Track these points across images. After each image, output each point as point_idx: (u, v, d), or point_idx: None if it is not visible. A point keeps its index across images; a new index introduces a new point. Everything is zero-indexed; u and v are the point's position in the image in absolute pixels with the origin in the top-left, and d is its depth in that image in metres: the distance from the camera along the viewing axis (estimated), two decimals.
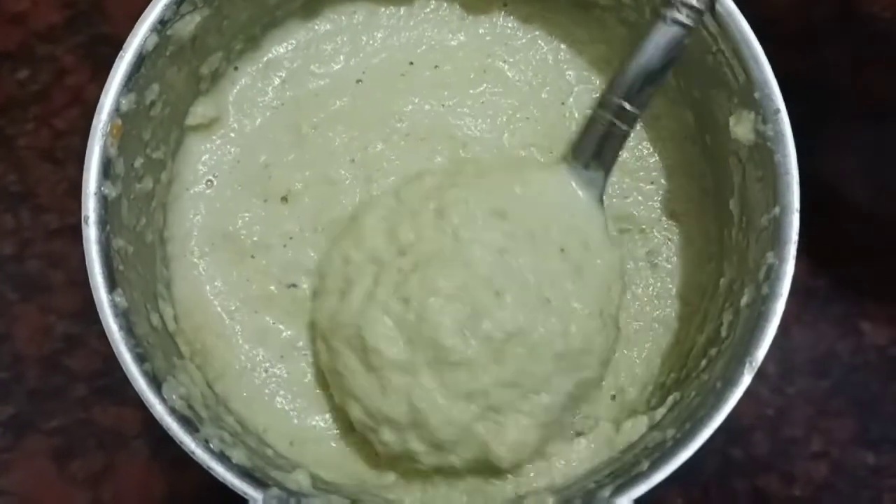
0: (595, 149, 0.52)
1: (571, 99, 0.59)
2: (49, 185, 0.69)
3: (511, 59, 0.59)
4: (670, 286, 0.57)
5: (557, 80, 0.59)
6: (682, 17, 0.48)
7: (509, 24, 0.60)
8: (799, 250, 0.47)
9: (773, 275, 0.46)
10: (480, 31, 0.59)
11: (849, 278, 0.68)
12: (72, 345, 0.66)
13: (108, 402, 0.65)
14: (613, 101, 0.50)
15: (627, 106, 0.50)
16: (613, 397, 0.55)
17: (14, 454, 0.65)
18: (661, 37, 0.49)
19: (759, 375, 0.46)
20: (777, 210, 0.47)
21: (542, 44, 0.60)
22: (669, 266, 0.57)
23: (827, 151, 0.70)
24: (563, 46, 0.59)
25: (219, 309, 0.56)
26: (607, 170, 0.53)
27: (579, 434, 0.53)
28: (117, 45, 0.64)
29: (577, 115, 0.58)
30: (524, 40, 0.60)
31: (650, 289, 0.57)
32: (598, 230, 0.53)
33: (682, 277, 0.57)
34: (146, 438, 0.65)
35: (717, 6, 0.49)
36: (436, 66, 0.59)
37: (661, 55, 0.49)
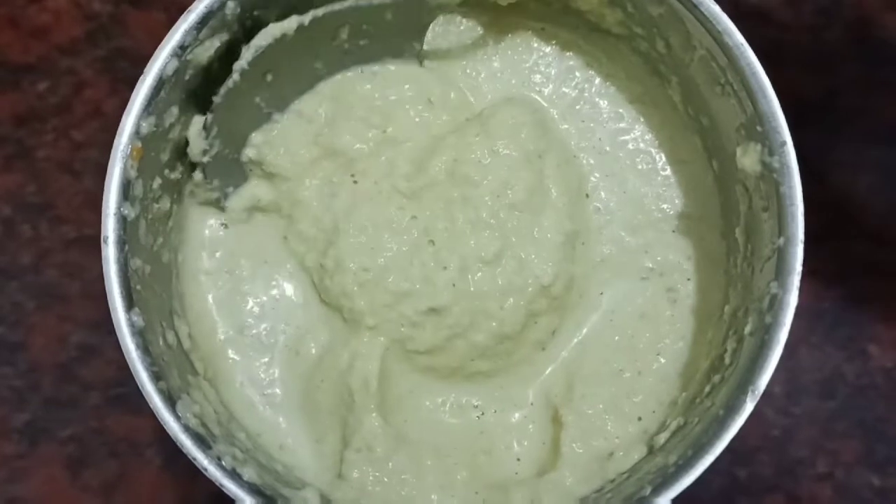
0: None
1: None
2: (67, 196, 0.70)
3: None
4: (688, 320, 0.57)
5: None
6: None
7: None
8: (807, 271, 0.47)
9: (776, 304, 0.46)
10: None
11: (857, 300, 0.69)
12: (87, 354, 0.67)
13: (122, 412, 0.66)
14: None
15: None
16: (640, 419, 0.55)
17: (29, 461, 0.66)
18: None
19: (766, 396, 0.46)
20: (781, 240, 0.47)
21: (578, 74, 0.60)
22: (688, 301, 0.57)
23: (837, 173, 0.70)
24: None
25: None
26: None
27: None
28: (136, 60, 0.65)
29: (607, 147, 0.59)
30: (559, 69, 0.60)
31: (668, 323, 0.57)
32: None
33: (698, 310, 0.57)
34: (159, 448, 0.66)
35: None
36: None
37: None
